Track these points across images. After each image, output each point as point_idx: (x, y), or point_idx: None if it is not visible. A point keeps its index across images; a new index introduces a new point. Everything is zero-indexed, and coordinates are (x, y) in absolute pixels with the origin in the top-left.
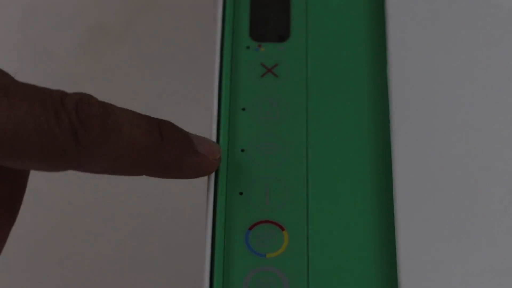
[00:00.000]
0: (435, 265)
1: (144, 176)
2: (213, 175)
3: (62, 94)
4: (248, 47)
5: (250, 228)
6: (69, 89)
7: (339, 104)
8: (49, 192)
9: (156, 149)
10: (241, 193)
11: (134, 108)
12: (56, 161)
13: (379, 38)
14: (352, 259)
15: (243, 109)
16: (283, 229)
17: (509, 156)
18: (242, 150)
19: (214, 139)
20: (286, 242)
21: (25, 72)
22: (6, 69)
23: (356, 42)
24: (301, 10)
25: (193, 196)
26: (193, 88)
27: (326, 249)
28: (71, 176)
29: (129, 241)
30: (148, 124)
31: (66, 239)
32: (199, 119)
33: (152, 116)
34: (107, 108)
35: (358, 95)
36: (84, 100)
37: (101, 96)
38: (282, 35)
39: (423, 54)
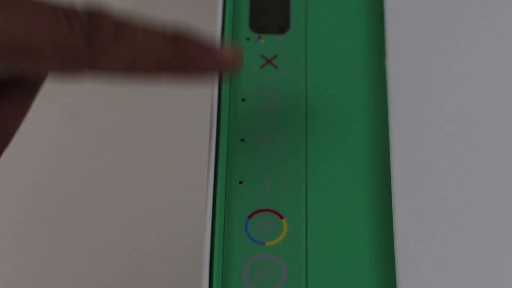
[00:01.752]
0: (432, 255)
1: (144, 164)
2: (212, 163)
3: (73, 4)
4: (248, 39)
5: (250, 217)
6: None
7: (338, 95)
8: (48, 190)
9: (172, 47)
10: (240, 182)
11: (134, 102)
12: (71, 62)
13: (378, 30)
14: (351, 247)
15: (243, 100)
16: (282, 218)
17: (509, 155)
18: (242, 140)
19: (214, 129)
20: (285, 230)
21: None
22: None
23: (355, 34)
24: (300, 2)
25: (193, 184)
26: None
27: (324, 237)
28: (71, 175)
29: (129, 230)
30: (162, 26)
31: (64, 234)
32: (200, 110)
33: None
34: (118, 13)
35: (357, 86)
36: (95, 6)
37: (102, 90)
38: (282, 27)
39: (422, 48)
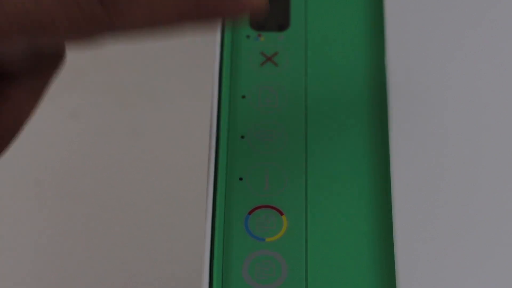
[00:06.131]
0: (432, 257)
1: (144, 161)
2: (212, 160)
3: None
4: (248, 36)
5: (250, 213)
6: (70, 81)
7: (338, 93)
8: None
9: None
10: (240, 178)
11: (135, 100)
12: (88, 27)
13: (378, 27)
14: (351, 243)
15: (243, 97)
16: (282, 214)
17: (509, 156)
18: (242, 137)
19: (214, 126)
20: (285, 226)
21: None
22: None
23: (355, 32)
24: (300, 0)
25: (193, 181)
26: (194, 79)
27: (324, 233)
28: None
29: (130, 227)
30: None
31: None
32: (200, 108)
33: None
34: None
35: (356, 84)
36: None
37: (102, 88)
38: (282, 25)
39: (422, 46)
